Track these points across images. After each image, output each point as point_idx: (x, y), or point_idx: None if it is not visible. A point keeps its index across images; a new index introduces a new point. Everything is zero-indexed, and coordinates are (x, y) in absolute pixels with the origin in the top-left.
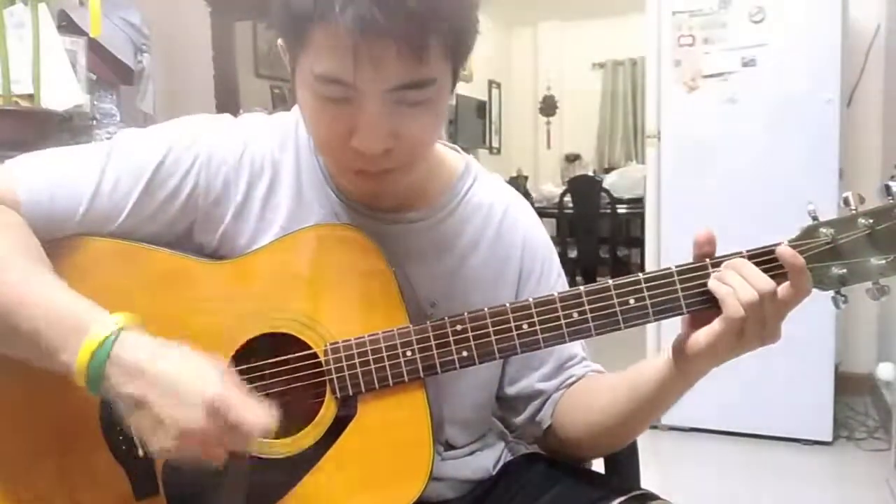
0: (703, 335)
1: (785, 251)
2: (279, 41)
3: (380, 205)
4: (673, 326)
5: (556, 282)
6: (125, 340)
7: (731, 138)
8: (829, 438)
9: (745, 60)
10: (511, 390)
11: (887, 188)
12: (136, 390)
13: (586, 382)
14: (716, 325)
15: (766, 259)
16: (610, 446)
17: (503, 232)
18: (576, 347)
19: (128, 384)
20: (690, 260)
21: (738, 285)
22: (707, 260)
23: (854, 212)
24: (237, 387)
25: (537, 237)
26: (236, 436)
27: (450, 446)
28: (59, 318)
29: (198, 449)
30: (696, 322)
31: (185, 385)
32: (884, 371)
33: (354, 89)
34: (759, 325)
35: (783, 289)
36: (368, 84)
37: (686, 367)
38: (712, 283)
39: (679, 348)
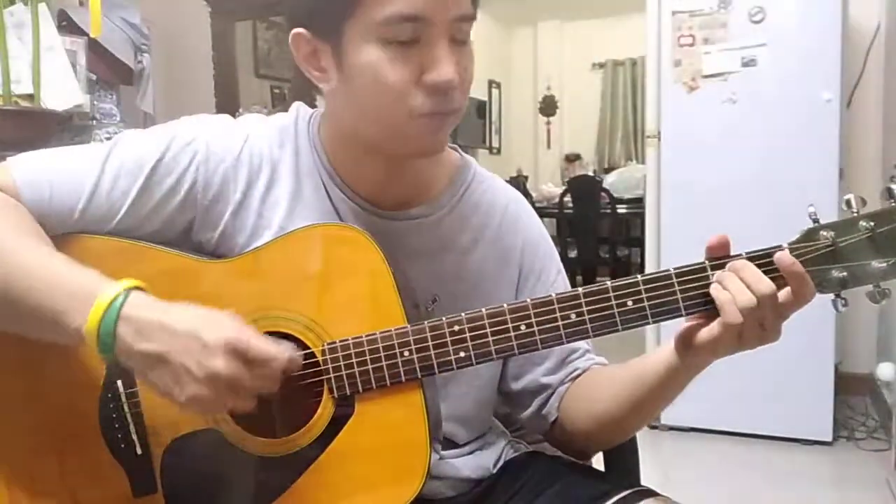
0: (703, 334)
1: (783, 258)
2: (299, 31)
3: (383, 203)
4: (673, 328)
5: (556, 279)
6: (134, 300)
7: (731, 138)
8: (829, 438)
9: (745, 60)
10: (516, 386)
11: (889, 191)
12: (153, 345)
13: (591, 375)
14: (714, 328)
15: (766, 262)
16: (615, 438)
17: (504, 229)
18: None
19: (142, 341)
20: (692, 260)
21: (737, 291)
22: (706, 262)
23: (855, 214)
24: (252, 329)
25: (538, 235)
26: (262, 372)
27: (450, 443)
28: (68, 286)
29: (226, 394)
30: (701, 314)
31: (202, 332)
32: (884, 371)
33: (425, 22)
34: (758, 327)
35: (784, 293)
36: (439, 14)
37: (688, 358)
38: (713, 289)
39: (681, 340)
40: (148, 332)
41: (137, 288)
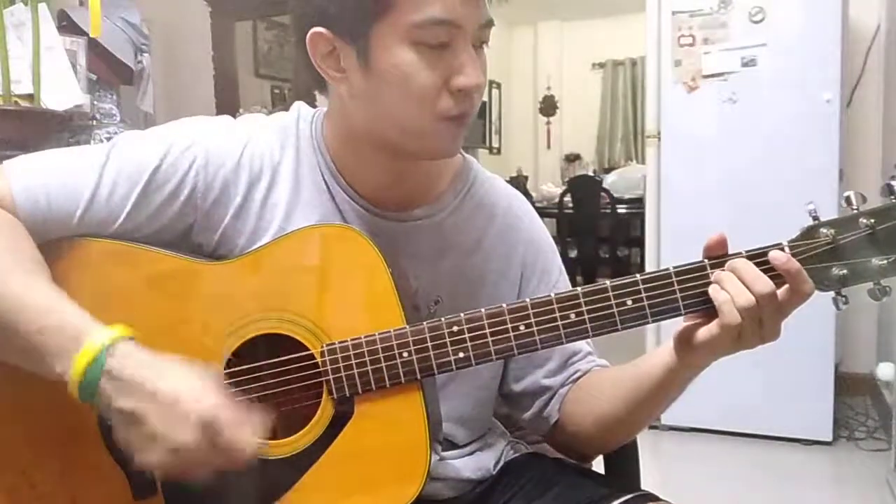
0: (702, 334)
1: (777, 256)
2: (318, 31)
3: (385, 204)
4: (673, 328)
5: (557, 279)
6: (119, 354)
7: (730, 138)
8: (829, 438)
9: (745, 60)
10: (517, 387)
11: (889, 187)
12: (130, 405)
13: (592, 376)
14: (713, 328)
15: (766, 260)
16: (616, 439)
17: (505, 230)
18: (580, 342)
19: (121, 399)
20: (692, 260)
21: (735, 291)
22: (705, 260)
23: (855, 211)
24: (232, 404)
25: (539, 235)
26: (228, 456)
27: (450, 444)
28: (55, 330)
29: (188, 466)
30: (699, 314)
31: (179, 402)
32: (884, 371)
33: (456, 28)
34: (757, 327)
35: (782, 291)
36: (470, 19)
37: (687, 358)
38: (712, 290)
39: (680, 340)
40: (128, 389)
41: (124, 336)
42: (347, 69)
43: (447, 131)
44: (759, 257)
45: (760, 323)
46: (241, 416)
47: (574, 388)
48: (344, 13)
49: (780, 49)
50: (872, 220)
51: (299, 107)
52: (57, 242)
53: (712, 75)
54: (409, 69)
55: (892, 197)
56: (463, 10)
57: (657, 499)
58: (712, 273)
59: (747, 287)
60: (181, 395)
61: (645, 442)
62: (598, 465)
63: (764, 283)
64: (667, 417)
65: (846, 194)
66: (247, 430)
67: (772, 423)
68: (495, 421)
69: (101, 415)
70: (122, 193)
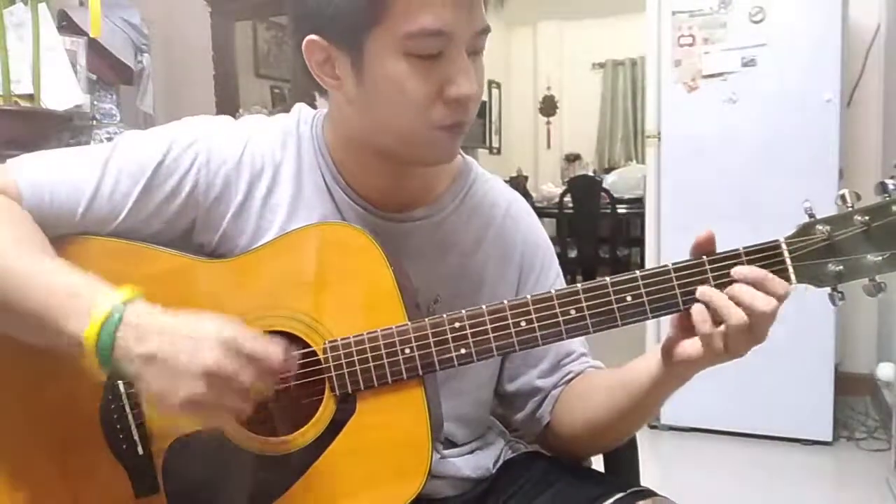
0: (689, 346)
1: (738, 271)
2: (313, 38)
3: (385, 205)
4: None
5: (554, 281)
6: (134, 306)
7: (730, 138)
8: (829, 438)
9: (745, 60)
10: (510, 387)
11: (883, 185)
12: (151, 347)
13: (584, 379)
14: (697, 345)
15: (763, 256)
16: (608, 443)
17: (504, 231)
18: (574, 344)
19: (140, 344)
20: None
21: (722, 306)
22: (703, 257)
23: (850, 209)
24: (247, 329)
25: (537, 237)
26: (258, 369)
27: (450, 443)
28: (67, 290)
29: (223, 394)
30: (685, 325)
31: (198, 331)
32: (884, 371)
33: (449, 38)
34: (745, 335)
35: (761, 297)
36: (463, 29)
37: (674, 369)
38: (695, 315)
39: (667, 351)
40: (147, 333)
41: (137, 294)
42: (342, 77)
43: (443, 140)
44: (757, 254)
45: (746, 334)
46: (262, 336)
47: (566, 391)
48: (338, 22)
49: (780, 49)
50: (867, 218)
51: (300, 108)
52: (58, 239)
53: (712, 75)
54: (403, 79)
55: (886, 195)
56: (455, 19)
57: (654, 494)
58: (710, 269)
59: (726, 311)
60: (199, 326)
61: (645, 442)
62: (598, 464)
63: (738, 315)
64: (667, 417)
65: (841, 192)
66: (270, 343)
67: (772, 423)
68: (494, 420)
69: (110, 402)
70: (123, 191)
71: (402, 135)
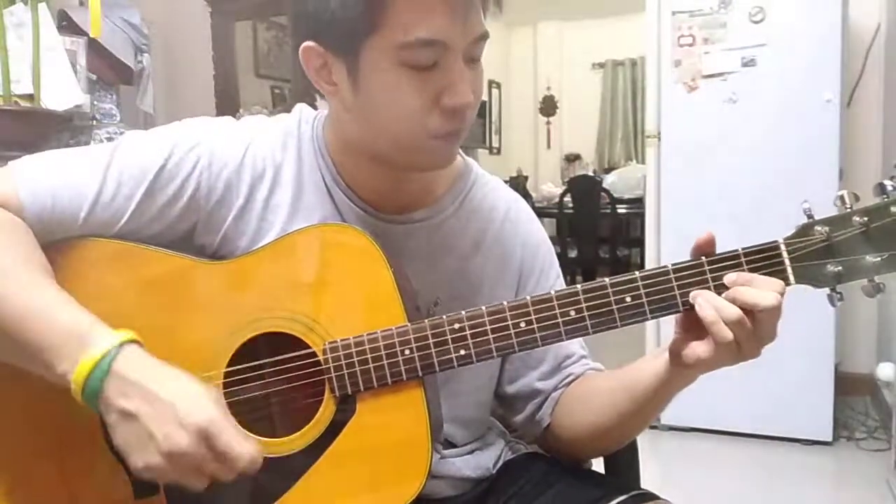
0: (699, 347)
1: (728, 277)
2: (310, 45)
3: (385, 207)
4: (671, 323)
5: (554, 283)
6: (125, 356)
7: (731, 138)
8: (829, 438)
9: (745, 60)
10: (510, 389)
11: (881, 186)
12: (130, 404)
13: (585, 381)
14: (708, 345)
15: (762, 257)
16: (608, 446)
17: (504, 233)
18: (574, 346)
19: (122, 398)
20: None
21: (722, 308)
22: (703, 258)
23: (849, 210)
24: (229, 417)
25: (538, 239)
26: (222, 464)
27: (450, 444)
28: (60, 327)
29: (182, 471)
30: (690, 326)
31: (178, 405)
32: (884, 371)
33: (445, 47)
34: (753, 336)
35: (767, 297)
36: (458, 38)
37: (681, 370)
38: (699, 308)
39: (676, 353)
40: (130, 390)
41: (131, 339)
42: (339, 83)
43: (439, 148)
44: (756, 255)
45: (753, 335)
46: (238, 429)
47: (566, 393)
48: (334, 29)
49: (780, 49)
50: (866, 219)
51: (301, 109)
52: (60, 242)
53: (712, 75)
54: (398, 89)
55: (885, 196)
56: (451, 29)
57: (655, 497)
58: (709, 270)
59: (733, 304)
60: (180, 401)
61: (645, 442)
62: (598, 464)
63: (732, 311)
64: (667, 417)
65: (839, 193)
66: (243, 441)
67: (772, 423)
68: (494, 421)
69: (101, 416)
70: (125, 194)
71: (398, 142)
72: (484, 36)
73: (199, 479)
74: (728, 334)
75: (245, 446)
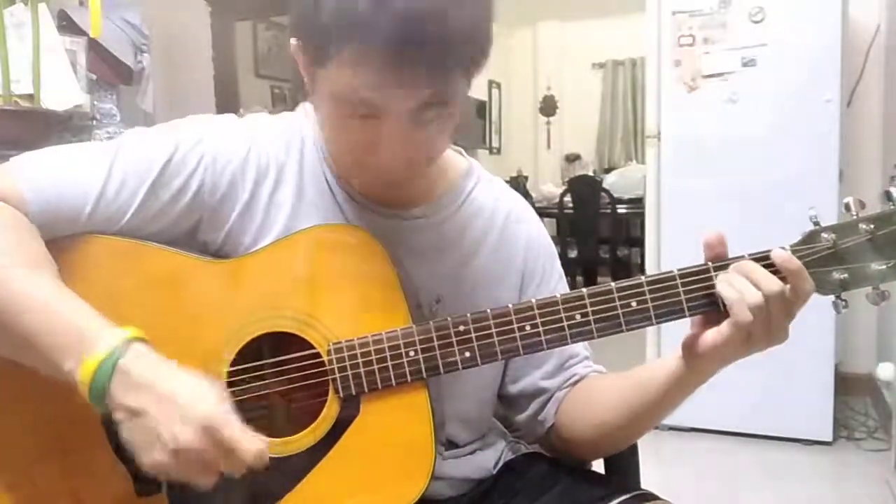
0: (710, 336)
1: (779, 254)
2: (294, 41)
3: (386, 203)
4: (674, 330)
5: (556, 284)
6: (131, 354)
7: (731, 138)
8: (829, 438)
9: (745, 60)
10: (514, 388)
11: (888, 194)
12: (136, 402)
13: (591, 382)
14: (724, 328)
15: (768, 263)
16: (614, 446)
17: (507, 233)
18: (578, 346)
19: (128, 396)
20: (693, 260)
21: (745, 289)
22: (709, 263)
23: (855, 217)
24: (233, 413)
25: (540, 240)
26: (229, 459)
27: (452, 445)
28: (66, 325)
29: (190, 468)
30: (706, 321)
31: (184, 402)
32: (884, 371)
33: (379, 109)
34: (766, 326)
35: (787, 291)
36: (394, 104)
37: (696, 365)
38: (721, 287)
39: (688, 346)
40: (136, 387)
41: (137, 337)
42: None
43: (380, 190)
44: (762, 260)
45: (769, 323)
46: (243, 424)
47: (571, 393)
48: (303, 41)
49: (780, 49)
50: (872, 226)
51: (304, 107)
52: (63, 239)
53: (712, 75)
54: (334, 128)
55: (892, 203)
56: (388, 94)
57: (656, 498)
58: (716, 275)
59: (756, 286)
60: (186, 397)
61: (645, 442)
62: (599, 465)
63: (774, 282)
64: (667, 417)
65: (845, 200)
66: (248, 436)
67: (772, 423)
68: (495, 421)
69: (106, 414)
70: (130, 189)
71: (341, 167)
72: (433, 103)
73: (208, 475)
74: (748, 315)
75: (251, 440)
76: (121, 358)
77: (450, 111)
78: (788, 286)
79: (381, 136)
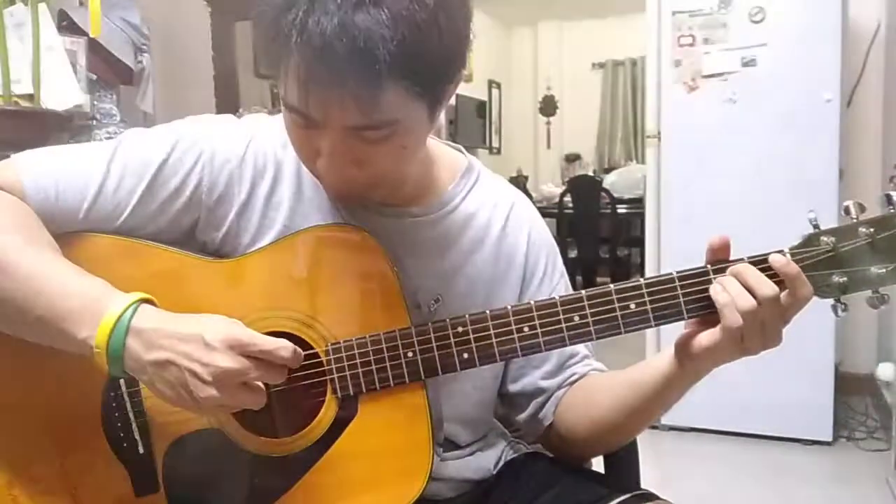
0: (704, 338)
1: (777, 260)
2: None
3: (385, 201)
4: (672, 331)
5: (558, 281)
6: (142, 313)
7: (731, 138)
8: (829, 438)
9: (745, 60)
10: (513, 388)
11: (888, 198)
12: (160, 353)
13: (589, 380)
14: (717, 331)
15: (767, 266)
16: (612, 444)
17: (508, 230)
18: (578, 345)
19: (151, 351)
20: (693, 260)
21: (737, 294)
22: (708, 266)
23: (855, 221)
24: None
25: (542, 237)
26: (266, 368)
27: (452, 445)
28: (76, 296)
29: (236, 394)
30: (701, 322)
31: (204, 334)
32: (884, 371)
33: (317, 122)
34: (759, 331)
35: (783, 295)
36: (334, 120)
37: (688, 365)
38: (713, 291)
39: (682, 346)
40: (156, 340)
41: (145, 300)
42: None
43: (337, 196)
44: (761, 263)
45: (763, 327)
46: (267, 336)
47: (570, 392)
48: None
49: (780, 49)
50: (872, 230)
51: None
52: (63, 237)
53: (712, 75)
54: (290, 131)
55: (891, 207)
56: (321, 110)
57: (656, 497)
58: (715, 278)
59: (749, 290)
60: (203, 329)
61: (645, 442)
62: (599, 464)
63: (767, 287)
64: (667, 417)
65: (845, 204)
66: (276, 340)
67: (772, 423)
68: (495, 421)
69: (112, 402)
70: (128, 188)
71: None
72: (373, 126)
73: (256, 394)
74: (737, 319)
75: (280, 343)
76: (133, 317)
77: (397, 133)
78: (785, 291)
79: (321, 144)
